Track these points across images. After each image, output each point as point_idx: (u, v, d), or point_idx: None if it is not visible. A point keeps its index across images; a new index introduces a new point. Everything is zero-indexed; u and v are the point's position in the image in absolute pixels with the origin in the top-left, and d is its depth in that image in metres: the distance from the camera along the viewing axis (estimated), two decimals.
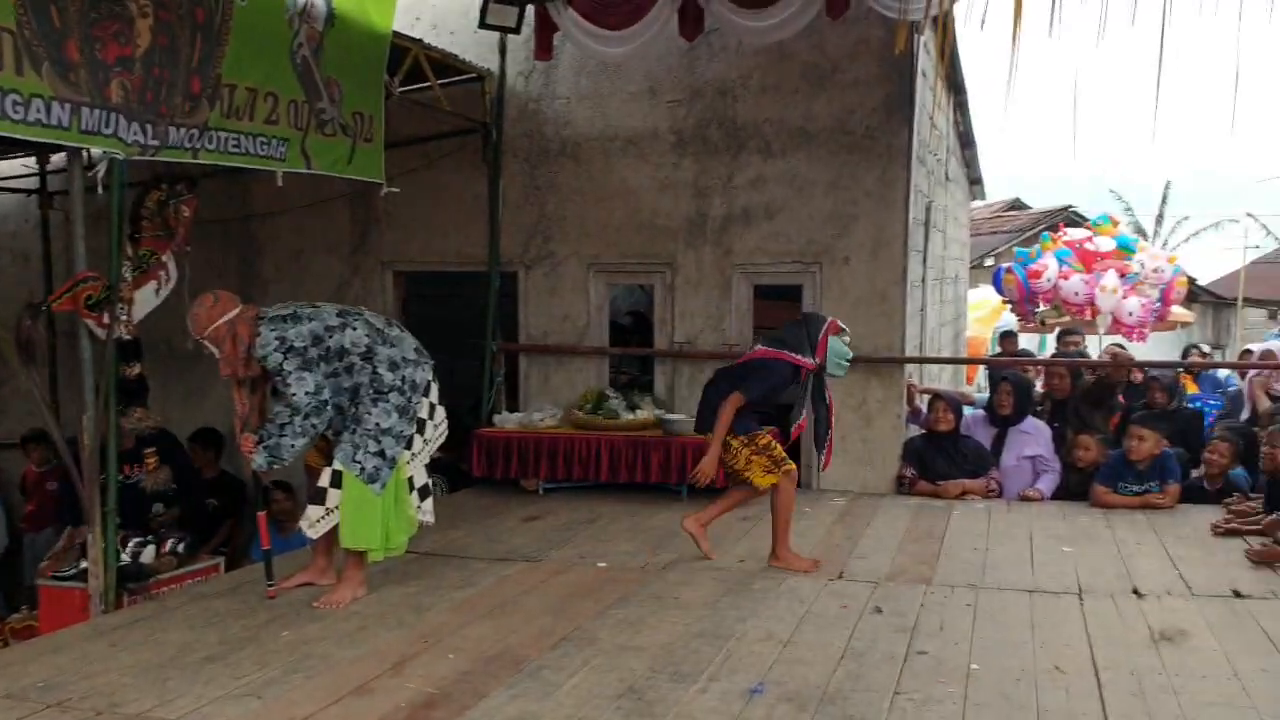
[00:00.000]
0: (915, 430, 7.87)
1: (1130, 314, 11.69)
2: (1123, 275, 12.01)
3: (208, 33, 5.35)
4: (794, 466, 5.55)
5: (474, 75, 7.93)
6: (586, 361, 8.12)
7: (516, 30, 7.31)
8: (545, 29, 7.28)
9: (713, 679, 4.01)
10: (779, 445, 5.58)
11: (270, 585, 5.02)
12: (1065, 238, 13.18)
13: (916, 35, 7.15)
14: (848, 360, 5.50)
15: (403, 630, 4.58)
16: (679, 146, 7.83)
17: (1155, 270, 11.67)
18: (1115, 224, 12.95)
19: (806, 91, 7.54)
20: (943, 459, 7.36)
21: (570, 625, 4.62)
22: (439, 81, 7.37)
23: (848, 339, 5.50)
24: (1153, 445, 6.72)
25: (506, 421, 7.75)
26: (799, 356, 5.39)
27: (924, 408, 7.80)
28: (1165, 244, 37.87)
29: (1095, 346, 11.91)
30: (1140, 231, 36.04)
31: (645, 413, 7.54)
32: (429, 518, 5.18)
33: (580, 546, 6.11)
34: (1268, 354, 7.58)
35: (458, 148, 8.17)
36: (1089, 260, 12.38)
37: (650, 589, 5.20)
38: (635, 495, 7.25)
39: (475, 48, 7.95)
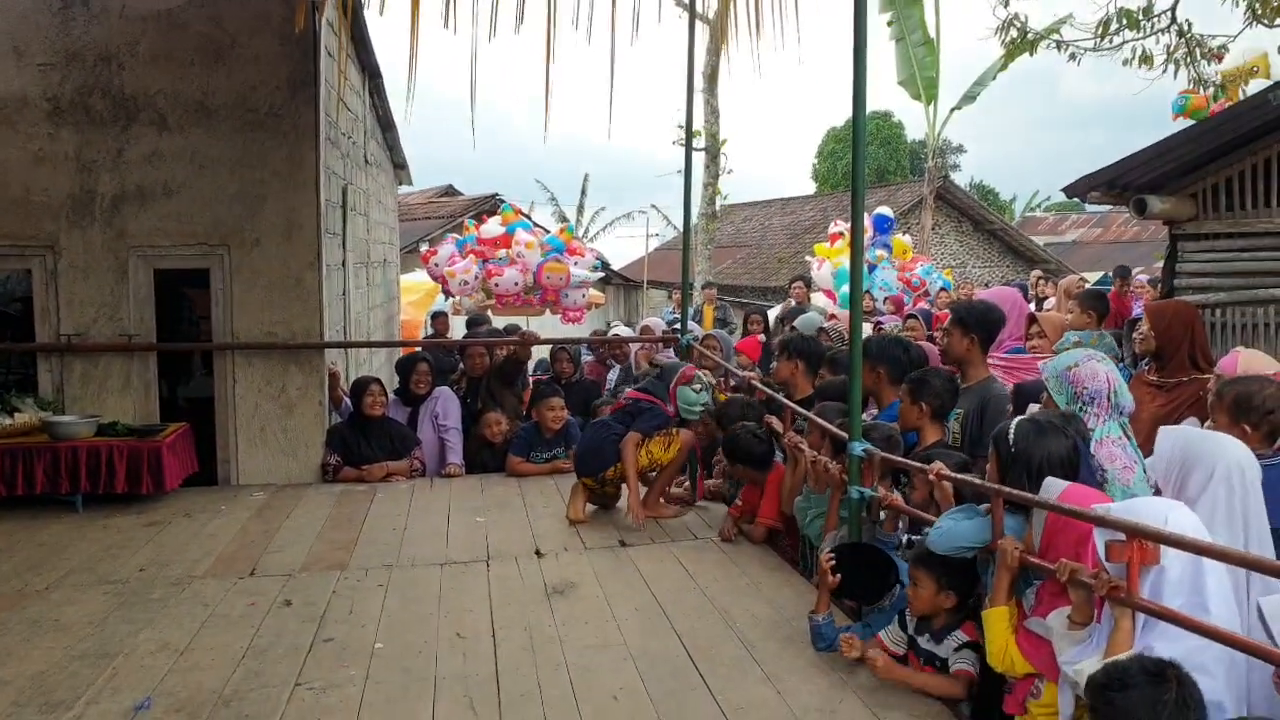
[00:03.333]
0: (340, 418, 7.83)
1: (506, 291, 12.70)
2: (485, 259, 13.02)
3: None
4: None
5: None
6: None
7: None
8: None
9: (91, 702, 3.69)
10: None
11: None
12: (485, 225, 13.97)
13: (318, 14, 7.06)
14: (699, 406, 6.09)
15: None
16: (55, 116, 7.01)
17: (519, 255, 12.77)
18: (517, 213, 13.96)
19: (204, 64, 7.12)
20: (368, 443, 7.39)
21: None
22: None
23: (698, 386, 6.05)
24: (561, 414, 7.34)
25: None
26: (666, 405, 6.10)
27: (347, 395, 7.77)
28: (586, 232, 41.65)
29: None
30: (564, 220, 39.29)
31: (27, 415, 6.69)
32: None
33: None
34: (645, 329, 8.59)
35: None
36: (483, 245, 13.31)
37: (26, 614, 4.64)
38: (17, 511, 6.40)
39: None
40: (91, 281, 7.13)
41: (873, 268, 14.74)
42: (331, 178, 7.87)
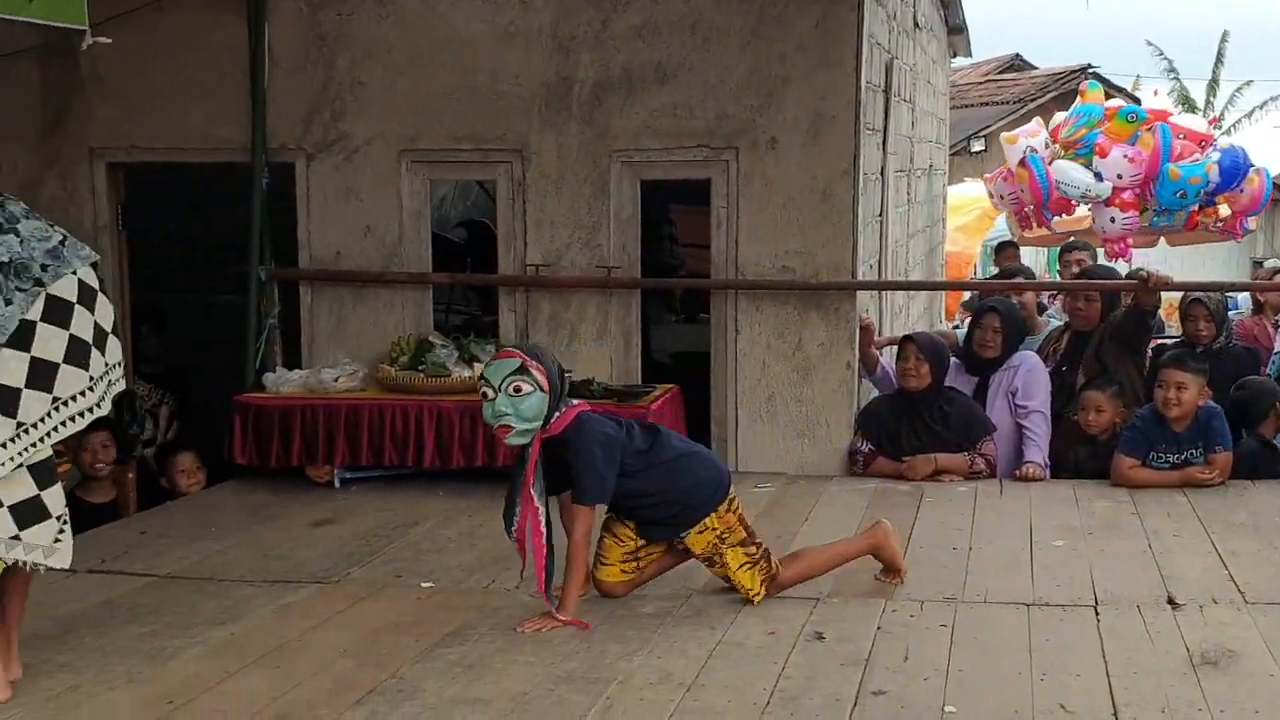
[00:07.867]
0: (876, 389, 8.05)
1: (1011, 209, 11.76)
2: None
3: None
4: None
5: None
6: (400, 294, 8.09)
7: None
8: None
9: None
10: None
11: None
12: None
13: None
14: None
15: (135, 688, 4.55)
16: None
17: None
18: (1085, 92, 13.13)
19: None
20: (911, 427, 7.50)
21: (382, 672, 4.66)
22: None
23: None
24: (1195, 396, 7.04)
25: (283, 383, 7.67)
26: None
27: (884, 357, 7.97)
28: (1221, 119, 39.17)
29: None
30: (1186, 101, 37.26)
31: None
32: (37, 556, 4.28)
33: (396, 561, 6.15)
34: None
35: None
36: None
37: (496, 618, 5.28)
38: (476, 486, 7.29)
39: None
40: (565, 197, 7.88)
41: None
42: (874, 50, 8.06)
